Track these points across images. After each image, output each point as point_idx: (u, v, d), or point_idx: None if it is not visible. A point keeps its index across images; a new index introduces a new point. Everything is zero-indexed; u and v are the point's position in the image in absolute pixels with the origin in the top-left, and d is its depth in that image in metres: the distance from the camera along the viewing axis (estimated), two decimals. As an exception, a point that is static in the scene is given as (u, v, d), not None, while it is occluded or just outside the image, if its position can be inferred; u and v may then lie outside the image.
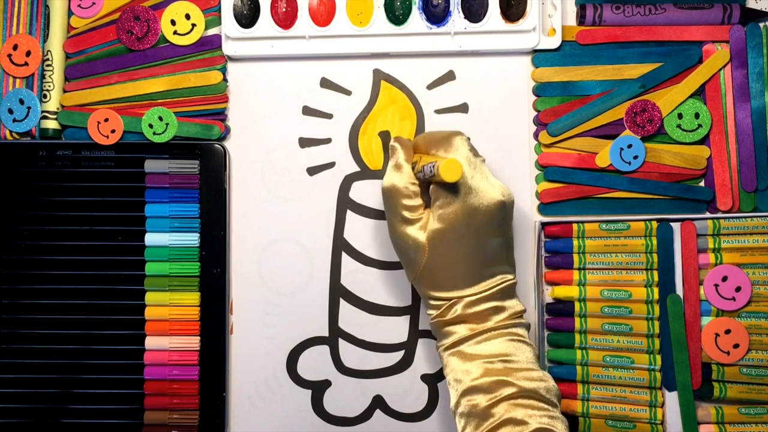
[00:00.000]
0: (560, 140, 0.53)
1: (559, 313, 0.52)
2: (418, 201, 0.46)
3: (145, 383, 0.53)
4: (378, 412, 0.54)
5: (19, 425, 0.53)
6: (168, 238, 0.53)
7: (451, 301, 0.44)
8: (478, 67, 0.54)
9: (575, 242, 0.52)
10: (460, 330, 0.44)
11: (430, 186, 0.46)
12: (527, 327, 0.45)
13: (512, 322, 0.44)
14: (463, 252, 0.44)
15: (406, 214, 0.46)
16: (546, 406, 0.42)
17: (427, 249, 0.45)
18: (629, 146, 0.52)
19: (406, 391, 0.54)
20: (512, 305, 0.45)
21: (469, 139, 0.47)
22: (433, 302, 0.45)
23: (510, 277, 0.45)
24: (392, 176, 0.47)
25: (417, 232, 0.45)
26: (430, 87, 0.54)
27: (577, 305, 0.52)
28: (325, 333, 0.54)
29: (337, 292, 0.54)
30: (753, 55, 0.52)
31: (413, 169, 0.47)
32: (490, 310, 0.44)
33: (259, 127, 0.54)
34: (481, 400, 0.42)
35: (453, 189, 0.44)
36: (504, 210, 0.45)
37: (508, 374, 0.42)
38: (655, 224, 0.52)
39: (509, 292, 0.45)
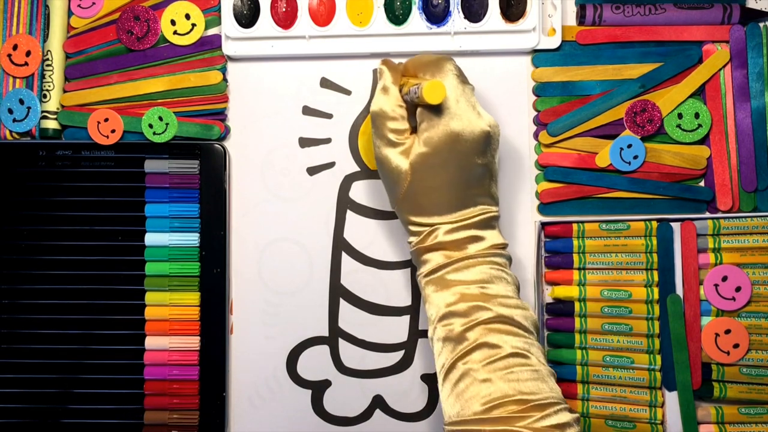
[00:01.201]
0: (560, 140, 0.53)
1: (559, 313, 0.52)
2: (405, 125, 0.46)
3: (145, 383, 0.53)
4: (378, 412, 0.54)
5: (19, 425, 0.53)
6: (168, 238, 0.53)
7: (432, 227, 0.44)
8: (478, 67, 0.54)
9: (575, 242, 0.52)
10: (438, 257, 0.44)
11: (417, 109, 0.45)
12: (508, 259, 0.45)
13: (492, 252, 0.44)
14: (446, 178, 0.44)
15: (392, 137, 0.46)
16: (521, 332, 0.42)
17: (410, 173, 0.44)
18: (629, 146, 0.52)
19: (406, 391, 0.54)
20: (492, 236, 0.45)
21: (458, 67, 0.46)
22: (413, 228, 0.45)
23: (493, 209, 0.45)
24: (379, 99, 0.47)
25: (400, 157, 0.45)
26: (430, 87, 0.54)
27: (577, 305, 0.52)
28: (325, 333, 0.54)
29: (337, 292, 0.54)
30: (753, 55, 0.52)
31: (400, 91, 0.47)
32: (469, 239, 0.44)
33: (259, 127, 0.54)
34: (457, 324, 0.42)
35: (438, 112, 0.44)
36: (488, 140, 0.44)
37: (485, 300, 0.42)
38: (655, 224, 0.52)
39: (490, 223, 0.45)
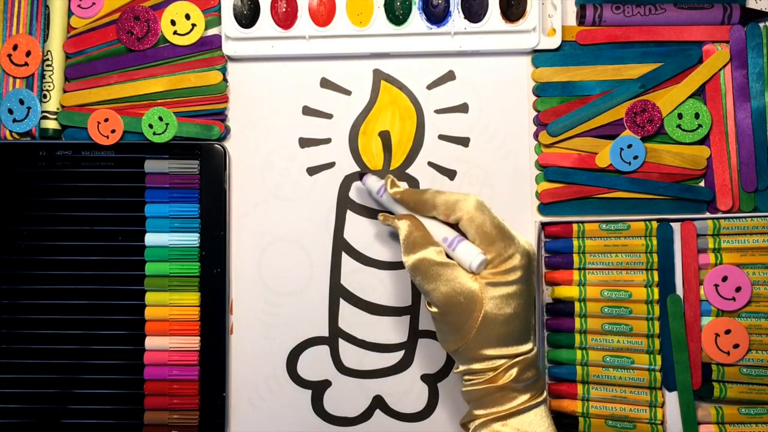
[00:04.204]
0: (560, 140, 0.53)
1: (559, 313, 0.52)
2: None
3: (145, 383, 0.53)
4: (378, 412, 0.54)
5: (19, 425, 0.53)
6: (168, 238, 0.53)
7: (511, 360, 0.39)
8: (478, 67, 0.54)
9: (575, 242, 0.52)
10: (517, 396, 0.39)
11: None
12: None
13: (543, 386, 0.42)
14: (523, 304, 0.40)
15: (445, 261, 0.41)
16: None
17: (483, 296, 0.39)
18: (629, 146, 0.52)
19: (406, 391, 0.54)
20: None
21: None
22: (484, 363, 0.39)
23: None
24: (415, 255, 0.42)
25: (467, 278, 0.39)
26: (430, 87, 0.54)
27: (577, 305, 0.52)
28: (325, 333, 0.54)
29: (337, 292, 0.54)
30: (753, 55, 0.52)
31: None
32: (536, 374, 0.40)
33: (259, 127, 0.54)
34: None
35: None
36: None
37: None
38: (655, 224, 0.52)
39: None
